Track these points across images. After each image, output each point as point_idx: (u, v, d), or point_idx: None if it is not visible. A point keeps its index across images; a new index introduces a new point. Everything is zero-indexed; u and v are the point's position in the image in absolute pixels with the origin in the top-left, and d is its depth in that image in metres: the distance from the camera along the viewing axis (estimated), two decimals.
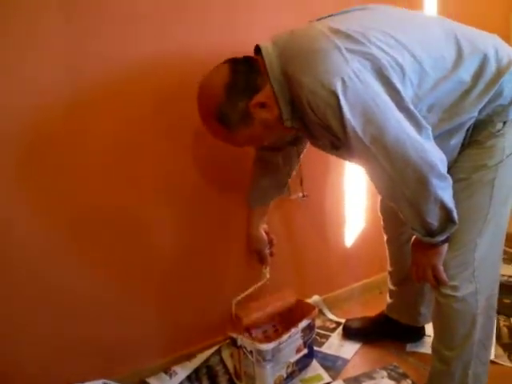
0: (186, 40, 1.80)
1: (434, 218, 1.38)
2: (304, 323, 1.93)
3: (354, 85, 1.25)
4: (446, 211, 1.37)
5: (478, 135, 1.47)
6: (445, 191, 1.35)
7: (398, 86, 1.30)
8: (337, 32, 1.34)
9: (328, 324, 2.36)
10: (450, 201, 1.36)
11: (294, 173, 1.95)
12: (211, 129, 1.48)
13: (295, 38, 1.41)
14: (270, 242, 2.03)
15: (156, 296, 2.00)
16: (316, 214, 2.31)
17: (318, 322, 2.27)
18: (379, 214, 2.02)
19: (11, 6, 1.50)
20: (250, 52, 1.48)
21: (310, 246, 2.36)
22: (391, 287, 2.12)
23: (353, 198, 2.44)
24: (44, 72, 1.59)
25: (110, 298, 1.89)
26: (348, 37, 1.32)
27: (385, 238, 2.05)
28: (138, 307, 1.96)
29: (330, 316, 2.42)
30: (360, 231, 2.52)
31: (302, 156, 1.91)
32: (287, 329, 1.92)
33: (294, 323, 1.93)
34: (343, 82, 1.24)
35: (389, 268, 2.10)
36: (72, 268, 1.78)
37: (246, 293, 1.96)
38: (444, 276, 1.51)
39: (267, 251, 2.03)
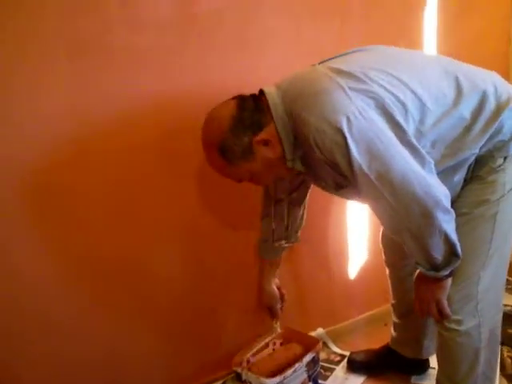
0: (187, 80, 1.83)
1: (438, 252, 1.39)
2: (308, 357, 1.93)
3: (358, 122, 1.28)
4: (450, 245, 1.38)
5: (479, 170, 1.49)
6: (449, 225, 1.36)
7: (401, 121, 1.32)
8: (339, 72, 1.38)
9: (332, 357, 2.35)
10: (453, 234, 1.37)
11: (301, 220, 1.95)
12: (211, 159, 1.50)
13: (298, 81, 1.45)
14: (282, 297, 2.03)
15: (160, 330, 2.00)
16: (319, 246, 2.31)
17: (322, 355, 2.26)
18: (380, 246, 2.03)
19: (16, 44, 1.53)
20: (253, 92, 1.51)
21: (314, 279, 2.36)
22: (395, 320, 2.11)
23: (355, 230, 2.44)
24: (46, 115, 1.61)
25: (114, 333, 1.89)
26: (350, 76, 1.36)
27: (387, 271, 2.05)
28: (141, 341, 1.96)
29: (335, 349, 2.41)
30: (363, 263, 2.52)
31: (306, 202, 1.91)
32: (291, 363, 1.92)
33: (298, 357, 1.93)
34: (348, 119, 1.27)
35: (392, 301, 2.10)
36: (74, 306, 1.79)
37: (255, 349, 1.98)
38: (448, 310, 1.52)
39: (278, 306, 2.03)
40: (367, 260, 2.52)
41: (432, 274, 1.44)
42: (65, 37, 1.59)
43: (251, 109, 1.43)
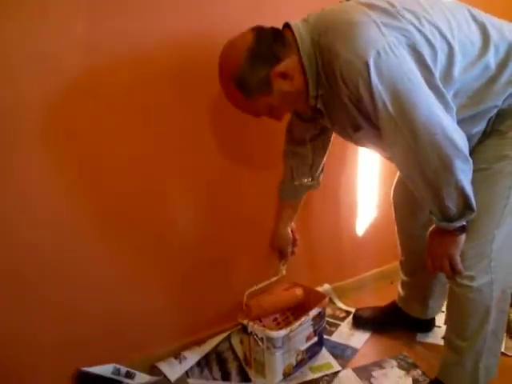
0: (202, 15, 1.78)
1: (452, 203, 1.37)
2: (315, 312, 1.93)
3: (388, 58, 1.25)
4: (464, 196, 1.36)
5: (500, 125, 1.46)
6: (465, 175, 1.34)
7: (430, 64, 1.29)
8: (372, 7, 1.34)
9: (338, 313, 2.36)
10: (469, 186, 1.35)
11: (323, 165, 1.93)
12: (228, 93, 1.47)
13: (329, 13, 1.41)
14: (294, 242, 2.02)
15: (167, 282, 2.00)
16: (328, 202, 2.29)
17: (328, 311, 2.27)
18: (391, 201, 2.01)
19: None
20: None
21: (322, 235, 2.36)
22: (403, 277, 2.11)
23: (365, 187, 2.43)
24: (61, 47, 1.57)
25: (121, 284, 1.89)
26: (384, 11, 1.33)
27: (396, 227, 2.04)
28: (148, 293, 1.96)
29: (340, 305, 2.42)
30: (372, 220, 2.51)
31: (329, 147, 1.88)
32: (297, 317, 1.92)
33: (304, 311, 1.93)
34: (378, 53, 1.24)
35: (400, 257, 2.09)
36: (86, 252, 1.78)
37: (260, 286, 1.96)
38: (461, 266, 1.50)
39: (289, 250, 2.03)
40: (376, 216, 2.52)
41: (445, 224, 1.42)
42: None
43: (269, 41, 1.39)
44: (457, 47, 1.34)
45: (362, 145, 1.63)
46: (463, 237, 1.46)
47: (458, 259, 1.49)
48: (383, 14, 1.32)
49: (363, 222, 2.50)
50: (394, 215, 2.02)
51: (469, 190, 1.35)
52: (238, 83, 1.40)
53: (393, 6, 1.35)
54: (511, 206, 1.49)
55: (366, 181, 2.42)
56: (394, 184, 1.97)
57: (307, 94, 1.44)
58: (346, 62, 1.27)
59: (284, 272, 2.03)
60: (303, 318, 1.88)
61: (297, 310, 2.07)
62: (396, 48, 1.26)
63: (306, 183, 1.90)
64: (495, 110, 1.43)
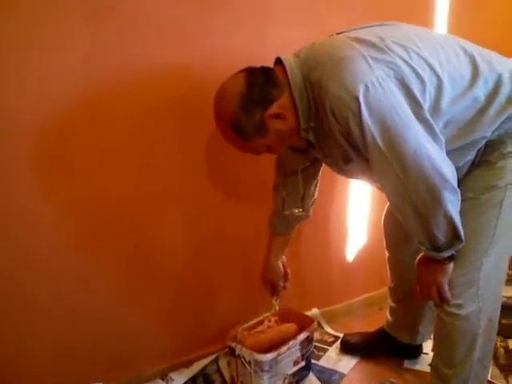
0: (203, 49, 1.82)
1: (441, 233, 1.38)
2: (303, 336, 1.93)
3: (376, 91, 1.27)
4: (453, 227, 1.37)
5: (488, 155, 1.48)
6: (454, 206, 1.35)
7: (419, 97, 1.31)
8: (361, 41, 1.36)
9: (326, 338, 2.36)
10: (457, 217, 1.37)
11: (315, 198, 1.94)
12: (226, 136, 1.49)
13: (319, 48, 1.43)
14: (285, 276, 2.03)
15: (157, 303, 2.00)
16: (319, 227, 2.30)
17: (316, 335, 2.26)
18: (382, 228, 2.02)
19: (35, 5, 1.52)
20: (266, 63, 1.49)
21: (312, 259, 2.36)
22: (391, 304, 2.12)
23: (355, 212, 2.44)
24: (62, 73, 1.60)
25: (111, 304, 1.89)
26: (372, 46, 1.35)
27: (386, 254, 2.05)
28: (137, 314, 1.96)
29: (329, 330, 2.42)
30: (362, 246, 2.52)
31: (319, 178, 1.89)
32: (285, 340, 1.92)
33: (292, 335, 1.93)
34: (366, 87, 1.26)
35: (390, 284, 2.09)
36: (74, 271, 1.79)
37: (253, 322, 1.97)
38: (449, 294, 1.51)
39: (281, 284, 2.03)
40: (366, 243, 2.53)
41: (433, 254, 1.43)
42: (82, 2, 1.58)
43: (261, 83, 1.41)
44: (446, 79, 1.36)
45: (353, 177, 1.66)
46: (451, 265, 1.47)
47: (446, 287, 1.50)
48: (371, 47, 1.34)
49: (353, 247, 2.50)
50: (384, 242, 2.03)
51: (457, 220, 1.37)
52: (234, 128, 1.43)
53: (382, 39, 1.37)
54: (499, 235, 1.50)
55: (356, 207, 2.43)
56: (384, 211, 1.99)
57: (299, 127, 1.46)
58: (335, 97, 1.30)
59: (277, 307, 2.04)
60: (291, 342, 1.88)
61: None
62: (384, 81, 1.28)
63: (297, 213, 1.89)
64: (484, 141, 1.45)
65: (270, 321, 2.07)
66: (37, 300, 1.73)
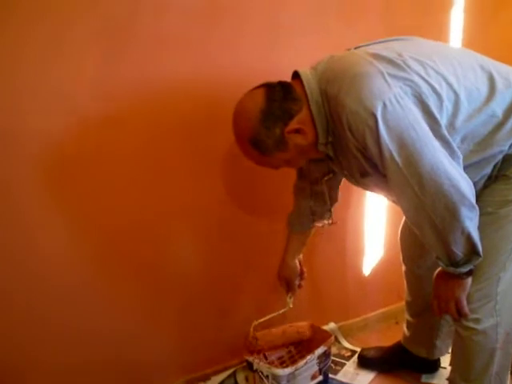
0: (212, 66, 1.83)
1: (459, 249, 1.38)
2: (320, 350, 1.93)
3: (394, 109, 1.28)
4: (471, 242, 1.37)
5: (506, 170, 1.48)
6: (472, 222, 1.35)
7: (436, 113, 1.32)
8: (378, 57, 1.37)
9: (343, 352, 2.35)
10: (475, 232, 1.37)
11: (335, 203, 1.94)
12: (246, 152, 1.51)
13: (336, 62, 1.44)
14: (301, 274, 2.02)
15: (173, 318, 2.01)
16: (336, 241, 2.31)
17: (333, 350, 2.25)
18: (399, 242, 2.02)
19: (44, 24, 1.54)
20: (283, 77, 1.50)
21: (329, 273, 2.36)
22: (408, 318, 2.11)
23: (372, 227, 2.45)
24: (72, 90, 1.62)
25: (124, 319, 1.90)
26: (390, 62, 1.36)
27: (403, 268, 2.04)
28: (154, 329, 1.97)
29: (346, 344, 2.41)
30: (378, 260, 2.52)
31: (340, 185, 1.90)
32: (302, 355, 1.93)
33: (310, 350, 1.94)
34: (384, 105, 1.27)
35: (407, 298, 2.09)
36: (91, 289, 1.81)
37: (266, 318, 1.95)
38: (467, 309, 1.51)
39: (296, 282, 2.02)
40: (382, 257, 2.52)
41: (451, 269, 1.43)
42: (93, 18, 1.60)
43: (280, 98, 1.42)
44: (462, 95, 1.37)
45: (370, 190, 1.67)
46: (469, 280, 1.47)
47: (464, 302, 1.50)
48: (389, 64, 1.35)
49: (369, 261, 2.50)
50: (401, 256, 2.03)
51: (475, 236, 1.37)
52: (255, 144, 1.45)
53: (399, 55, 1.38)
54: None
55: (373, 220, 2.44)
56: (401, 225, 1.99)
57: (317, 141, 1.48)
58: (352, 112, 1.31)
59: (291, 305, 2.01)
60: (309, 357, 1.89)
61: (303, 348, 2.08)
62: (402, 99, 1.29)
63: (328, 224, 1.91)
64: (501, 156, 1.45)
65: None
66: (49, 315, 1.75)
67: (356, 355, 2.29)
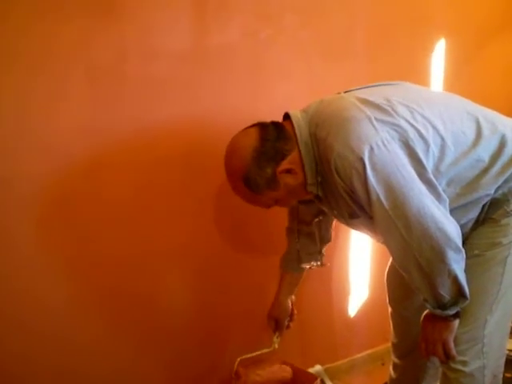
0: (200, 109, 1.86)
1: (445, 291, 1.39)
2: None
3: (381, 153, 1.31)
4: (458, 285, 1.38)
5: (493, 213, 1.50)
6: (458, 265, 1.36)
7: (422, 158, 1.34)
8: (366, 103, 1.41)
9: None
10: (462, 275, 1.38)
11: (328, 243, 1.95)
12: (237, 189, 1.52)
13: (326, 106, 1.48)
14: (292, 315, 2.01)
15: (161, 353, 1.99)
16: (322, 282, 2.31)
17: None
18: (385, 283, 2.01)
19: (36, 64, 1.56)
20: (270, 119, 1.53)
21: (314, 315, 2.35)
22: (395, 360, 2.08)
23: (358, 267, 2.45)
24: (63, 134, 1.64)
25: (119, 355, 1.89)
26: (377, 107, 1.39)
27: (389, 310, 2.02)
28: (141, 364, 1.95)
29: None
30: (364, 301, 2.52)
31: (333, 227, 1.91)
32: None
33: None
34: (371, 148, 1.30)
35: (393, 340, 2.06)
36: (76, 323, 1.79)
37: (251, 355, 1.93)
38: (454, 351, 1.51)
39: (285, 323, 2.00)
40: (368, 298, 2.52)
41: (439, 312, 1.43)
42: (83, 62, 1.63)
43: (273, 138, 1.45)
44: (449, 139, 1.40)
45: (360, 230, 1.67)
46: (457, 322, 1.47)
47: (451, 344, 1.50)
48: (377, 109, 1.38)
49: (355, 302, 2.50)
50: (387, 297, 2.01)
51: (462, 278, 1.38)
52: (247, 182, 1.46)
53: (387, 100, 1.42)
54: (503, 293, 1.51)
55: (359, 261, 2.44)
56: (387, 266, 1.99)
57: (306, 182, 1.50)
58: (339, 156, 1.34)
59: (277, 346, 1.99)
60: None
61: None
62: (389, 143, 1.32)
63: (315, 266, 1.92)
64: (488, 199, 1.47)
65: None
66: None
67: None
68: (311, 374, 2.14)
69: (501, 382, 1.64)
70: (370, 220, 1.41)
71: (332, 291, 2.41)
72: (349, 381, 2.43)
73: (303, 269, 1.95)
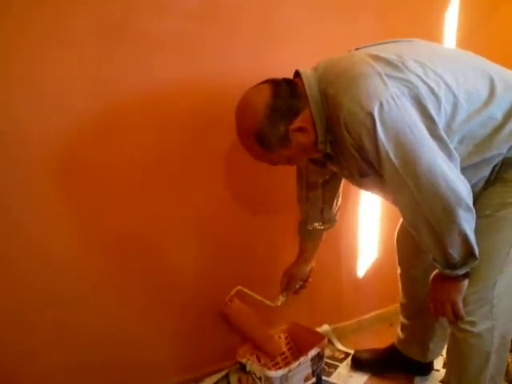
0: (210, 66, 1.83)
1: (455, 251, 1.38)
2: (313, 352, 1.92)
3: (390, 109, 1.28)
4: (468, 245, 1.37)
5: (504, 172, 1.48)
6: (469, 224, 1.35)
7: (434, 114, 1.32)
8: (377, 58, 1.38)
9: (337, 354, 2.34)
10: (472, 235, 1.36)
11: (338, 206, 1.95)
12: (248, 146, 1.50)
13: (336, 63, 1.45)
14: (305, 281, 2.02)
15: (168, 319, 2.00)
16: (329, 243, 2.30)
17: (326, 352, 2.25)
18: (395, 244, 2.02)
19: (45, 24, 1.54)
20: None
21: (323, 275, 2.33)
22: (403, 320, 2.10)
23: (366, 228, 2.45)
24: (72, 91, 1.61)
25: (122, 321, 1.90)
26: (388, 63, 1.36)
27: (398, 270, 2.04)
28: (150, 330, 1.97)
29: (339, 346, 2.40)
30: (373, 262, 2.52)
31: (340, 191, 1.90)
32: (296, 357, 1.91)
33: (303, 351, 1.93)
34: (381, 105, 1.27)
35: (401, 300, 2.08)
36: (87, 290, 1.80)
37: (251, 293, 1.90)
38: (463, 312, 1.50)
39: (297, 286, 2.01)
40: (377, 259, 2.52)
41: (448, 272, 1.43)
42: (93, 19, 1.60)
43: (286, 95, 1.42)
44: (461, 97, 1.37)
45: (370, 190, 1.66)
46: (466, 282, 1.46)
47: (460, 305, 1.49)
48: (387, 65, 1.35)
49: (364, 263, 2.50)
50: (396, 257, 2.02)
51: (472, 238, 1.36)
52: (258, 139, 1.43)
53: (399, 56, 1.38)
54: None
55: (367, 222, 2.44)
56: (398, 227, 1.99)
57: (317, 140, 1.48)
58: (349, 112, 1.32)
59: (279, 304, 1.98)
60: (302, 358, 1.87)
61: (296, 350, 2.07)
62: (399, 99, 1.29)
63: (318, 227, 1.92)
64: (500, 158, 1.45)
65: (279, 337, 2.08)
66: (52, 316, 1.75)
67: (350, 357, 2.28)
68: (318, 333, 2.15)
69: (509, 344, 1.64)
70: (380, 178, 1.40)
71: (341, 252, 2.41)
72: (356, 341, 2.44)
73: (318, 236, 1.96)
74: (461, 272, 1.42)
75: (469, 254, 1.40)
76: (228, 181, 1.99)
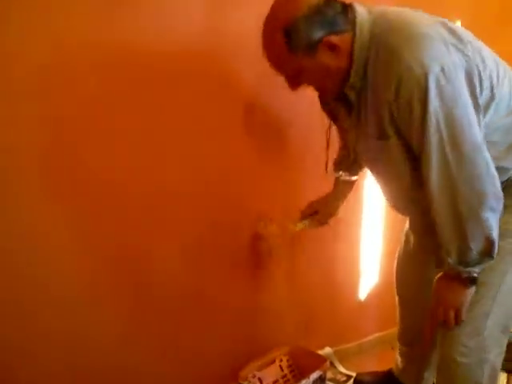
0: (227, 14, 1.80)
1: (475, 245, 1.35)
2: (315, 375, 1.93)
3: (450, 76, 1.25)
4: (489, 242, 1.35)
5: (509, 199, 1.41)
6: (495, 214, 1.33)
7: (479, 98, 1.31)
8: (445, 26, 1.35)
9: (339, 377, 2.34)
10: (496, 230, 1.34)
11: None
12: (270, 43, 1.38)
13: (398, 13, 1.38)
14: (329, 217, 1.95)
15: (163, 334, 1.98)
16: (332, 265, 2.33)
17: (328, 375, 2.25)
18: (394, 272, 2.00)
19: None
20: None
21: (324, 298, 2.36)
22: (400, 347, 2.10)
23: (369, 250, 2.46)
24: (66, 46, 1.56)
25: (121, 321, 1.88)
26: (454, 34, 1.33)
27: (396, 298, 2.02)
28: (144, 350, 1.94)
29: (341, 369, 2.40)
30: (374, 285, 2.53)
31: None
32: (297, 379, 1.92)
33: (305, 374, 1.94)
34: (442, 69, 1.24)
35: (399, 327, 2.07)
36: (87, 291, 1.79)
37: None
38: (464, 316, 1.47)
39: (317, 217, 1.94)
40: (378, 281, 2.53)
41: (460, 268, 1.39)
42: None
43: (337, 8, 1.33)
44: (496, 100, 1.37)
45: (378, 167, 1.60)
46: (472, 290, 1.43)
47: (464, 311, 1.46)
48: (453, 35, 1.32)
49: (365, 286, 2.51)
50: (395, 286, 2.01)
51: (495, 233, 1.34)
52: (287, 34, 1.32)
53: (463, 31, 1.38)
54: (510, 286, 1.49)
55: (369, 244, 2.45)
56: (397, 254, 1.98)
57: (343, 80, 1.40)
58: (407, 67, 1.25)
59: (297, 229, 1.93)
60: (304, 381, 1.89)
61: (298, 373, 2.07)
62: (459, 69, 1.28)
63: (344, 177, 1.88)
64: (506, 177, 1.43)
65: (281, 360, 2.09)
66: (51, 317, 1.74)
67: (351, 380, 2.29)
68: (320, 355, 2.16)
69: (499, 374, 1.65)
70: (401, 148, 1.38)
71: (342, 274, 2.42)
72: (358, 363, 2.44)
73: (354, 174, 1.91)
74: (474, 270, 1.39)
75: (488, 252, 1.36)
76: (226, 191, 1.97)
